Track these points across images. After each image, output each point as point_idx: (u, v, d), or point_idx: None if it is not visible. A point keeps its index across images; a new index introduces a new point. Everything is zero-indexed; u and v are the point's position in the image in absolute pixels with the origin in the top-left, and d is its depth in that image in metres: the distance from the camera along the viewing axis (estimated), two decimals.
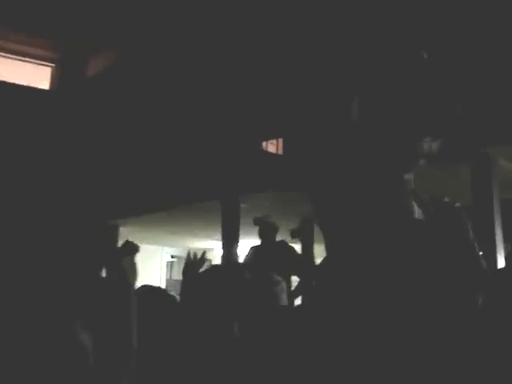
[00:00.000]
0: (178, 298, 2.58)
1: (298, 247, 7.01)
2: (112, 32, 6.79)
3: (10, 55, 7.85)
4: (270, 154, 7.29)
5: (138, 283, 3.50)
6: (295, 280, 5.78)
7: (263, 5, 5.25)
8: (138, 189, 7.81)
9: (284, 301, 2.28)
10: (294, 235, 7.10)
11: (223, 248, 7.46)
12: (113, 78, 7.34)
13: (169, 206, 8.12)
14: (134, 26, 6.28)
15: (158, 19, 6.14)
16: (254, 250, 5.92)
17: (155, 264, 12.25)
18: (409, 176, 1.78)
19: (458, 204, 1.72)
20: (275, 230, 5.90)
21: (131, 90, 7.26)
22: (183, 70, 6.75)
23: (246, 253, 6.05)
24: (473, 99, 5.05)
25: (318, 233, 1.90)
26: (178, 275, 12.80)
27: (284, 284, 2.34)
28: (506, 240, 5.59)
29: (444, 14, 4.64)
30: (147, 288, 2.41)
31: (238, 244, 7.40)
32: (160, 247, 12.25)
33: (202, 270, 2.63)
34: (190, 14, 5.94)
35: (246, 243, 7.03)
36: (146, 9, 5.77)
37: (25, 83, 7.69)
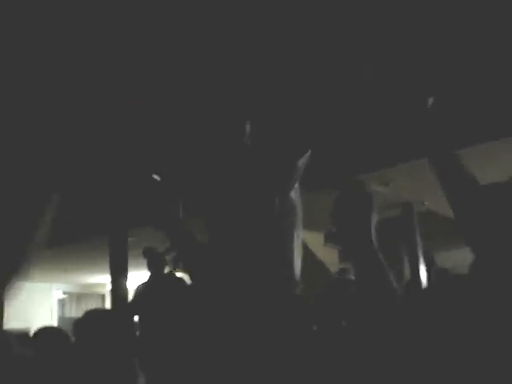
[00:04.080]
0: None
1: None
2: None
3: None
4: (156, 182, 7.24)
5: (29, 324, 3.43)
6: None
7: None
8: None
9: None
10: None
11: (112, 283, 7.40)
12: None
13: (57, 243, 7.93)
14: None
15: None
16: (144, 285, 5.95)
17: (45, 302, 11.85)
18: (287, 195, 1.87)
19: None
20: (163, 260, 5.97)
21: None
22: None
23: (136, 289, 6.07)
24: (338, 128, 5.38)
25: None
26: (70, 313, 12.44)
27: None
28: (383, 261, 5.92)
29: None
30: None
31: (127, 278, 7.36)
32: (49, 284, 11.87)
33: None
34: None
35: (137, 276, 7.02)
36: None
37: None
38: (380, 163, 5.56)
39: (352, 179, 5.82)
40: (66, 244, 8.06)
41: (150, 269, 5.94)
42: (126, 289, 7.31)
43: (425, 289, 4.54)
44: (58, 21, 3.83)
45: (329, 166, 5.56)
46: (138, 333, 5.58)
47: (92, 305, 12.14)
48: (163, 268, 5.96)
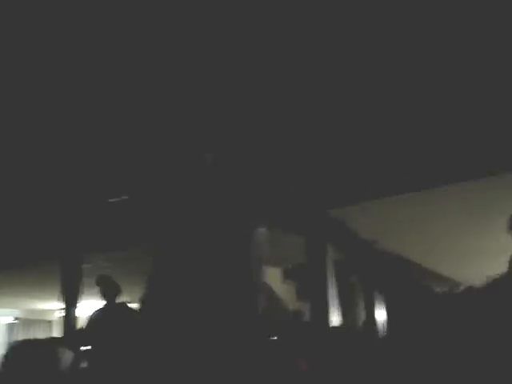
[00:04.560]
0: None
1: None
2: None
3: None
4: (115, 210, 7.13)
5: None
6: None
7: None
8: None
9: None
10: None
11: (62, 310, 7.20)
12: None
13: (5, 268, 7.73)
14: None
15: None
16: (96, 314, 5.81)
17: None
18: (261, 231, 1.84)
19: None
20: (117, 290, 5.84)
21: None
22: None
23: (89, 316, 5.92)
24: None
25: None
26: (17, 338, 12.03)
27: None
28: (339, 300, 5.89)
29: None
30: None
31: (78, 305, 7.18)
32: None
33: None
34: None
35: (89, 304, 6.87)
36: None
37: None
38: (340, 201, 5.55)
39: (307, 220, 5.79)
40: (14, 268, 7.86)
41: (102, 297, 5.80)
42: (76, 316, 7.13)
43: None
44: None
45: (287, 204, 5.52)
46: (85, 363, 5.41)
47: (40, 331, 11.80)
48: (115, 298, 5.84)
